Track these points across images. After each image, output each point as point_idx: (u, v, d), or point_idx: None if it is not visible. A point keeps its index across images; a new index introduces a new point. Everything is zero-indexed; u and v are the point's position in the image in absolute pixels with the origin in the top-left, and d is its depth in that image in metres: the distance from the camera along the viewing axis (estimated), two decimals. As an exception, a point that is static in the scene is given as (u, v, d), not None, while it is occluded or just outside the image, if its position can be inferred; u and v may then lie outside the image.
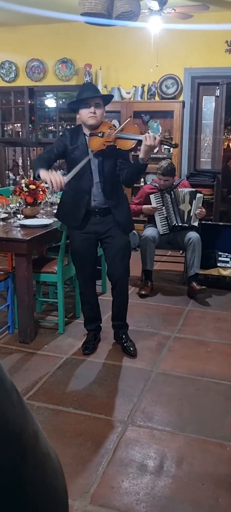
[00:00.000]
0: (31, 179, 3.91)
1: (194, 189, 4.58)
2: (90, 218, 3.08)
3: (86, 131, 3.01)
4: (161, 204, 4.48)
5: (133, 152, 4.09)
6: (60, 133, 3.05)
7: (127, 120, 3.11)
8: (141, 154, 2.86)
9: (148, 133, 2.85)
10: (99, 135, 2.93)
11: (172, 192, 4.49)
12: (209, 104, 6.45)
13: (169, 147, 2.74)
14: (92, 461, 2.16)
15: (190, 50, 6.13)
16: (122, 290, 3.19)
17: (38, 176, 2.85)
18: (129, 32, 5.98)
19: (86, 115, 2.93)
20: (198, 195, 4.49)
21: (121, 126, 3.03)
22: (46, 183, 2.87)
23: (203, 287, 4.25)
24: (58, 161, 7.61)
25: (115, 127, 3.04)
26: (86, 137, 3.00)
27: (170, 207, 4.46)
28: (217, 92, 6.23)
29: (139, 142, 2.86)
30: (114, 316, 3.30)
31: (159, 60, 5.57)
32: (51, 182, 2.73)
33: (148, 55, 5.81)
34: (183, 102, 6.23)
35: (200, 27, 5.67)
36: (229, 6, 5.59)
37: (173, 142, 2.82)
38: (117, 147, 2.92)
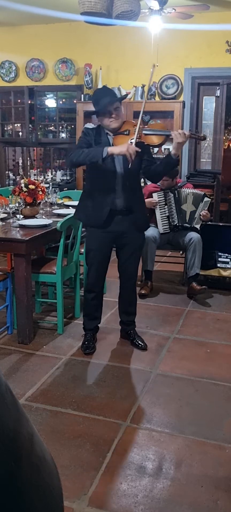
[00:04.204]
0: (31, 179, 3.90)
1: (202, 192, 4.57)
2: (112, 217, 3.05)
3: (109, 132, 3.01)
4: (164, 203, 4.47)
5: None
6: (83, 131, 3.07)
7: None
8: (172, 150, 2.94)
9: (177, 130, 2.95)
10: (125, 133, 2.95)
11: (176, 192, 4.49)
12: (209, 105, 6.43)
13: (197, 140, 3.09)
14: (91, 462, 2.14)
15: (190, 50, 6.11)
16: (134, 287, 3.35)
17: (104, 158, 2.77)
18: (129, 32, 5.97)
19: (107, 121, 2.96)
20: (206, 199, 4.48)
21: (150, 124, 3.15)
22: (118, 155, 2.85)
23: (204, 287, 4.25)
24: (58, 161, 7.72)
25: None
26: (108, 136, 3.00)
27: (173, 206, 4.46)
28: (218, 93, 6.20)
29: (167, 136, 2.98)
30: (124, 312, 3.38)
31: (159, 60, 5.55)
32: (129, 153, 2.74)
33: (148, 55, 5.79)
34: (183, 102, 6.21)
35: (201, 27, 5.66)
36: (230, 6, 5.57)
37: (201, 135, 3.06)
38: (145, 143, 2.96)
